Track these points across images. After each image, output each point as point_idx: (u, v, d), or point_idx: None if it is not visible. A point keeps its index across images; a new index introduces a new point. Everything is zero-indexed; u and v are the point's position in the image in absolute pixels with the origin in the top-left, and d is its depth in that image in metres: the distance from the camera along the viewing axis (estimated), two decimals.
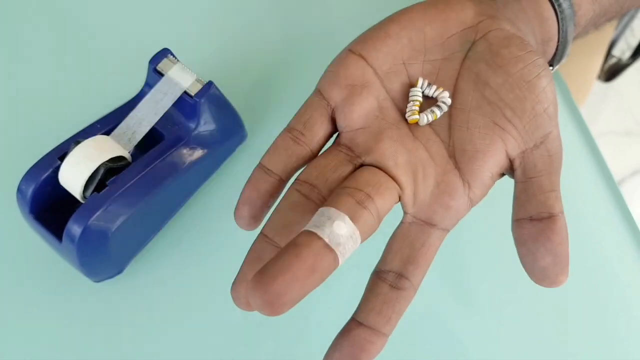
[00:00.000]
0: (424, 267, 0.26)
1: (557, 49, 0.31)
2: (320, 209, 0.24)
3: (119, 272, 0.38)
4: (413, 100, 0.28)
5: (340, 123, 0.28)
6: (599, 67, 0.70)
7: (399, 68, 0.28)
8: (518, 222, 0.27)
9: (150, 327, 0.37)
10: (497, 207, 0.41)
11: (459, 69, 0.29)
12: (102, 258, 0.36)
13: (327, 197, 0.26)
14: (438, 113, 0.28)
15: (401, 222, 0.27)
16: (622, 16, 0.37)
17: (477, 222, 0.40)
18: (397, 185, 0.26)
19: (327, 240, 0.23)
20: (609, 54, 0.72)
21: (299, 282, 0.21)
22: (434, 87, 0.28)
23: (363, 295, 0.26)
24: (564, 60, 0.32)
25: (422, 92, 0.28)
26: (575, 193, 0.42)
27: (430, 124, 0.28)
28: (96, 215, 0.33)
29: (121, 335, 0.37)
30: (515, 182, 0.27)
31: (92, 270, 0.36)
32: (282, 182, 0.27)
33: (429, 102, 0.28)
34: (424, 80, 0.28)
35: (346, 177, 0.26)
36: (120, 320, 0.37)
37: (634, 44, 0.81)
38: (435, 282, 0.39)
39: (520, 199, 0.27)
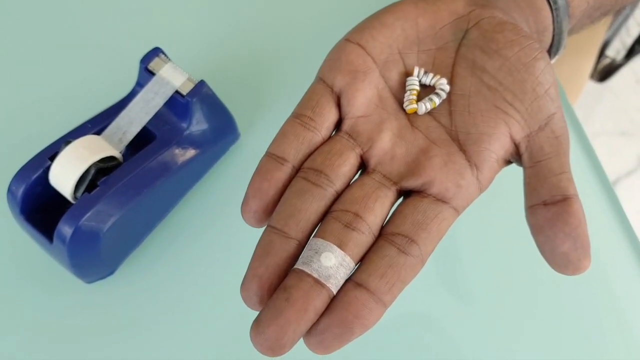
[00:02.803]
0: (435, 238, 0.25)
1: (552, 40, 0.31)
2: (309, 241, 0.24)
3: (111, 273, 0.38)
4: (410, 90, 0.28)
5: (344, 109, 0.27)
6: (590, 67, 0.70)
7: (396, 57, 0.28)
8: (532, 208, 0.26)
9: (142, 328, 0.37)
10: (494, 205, 0.41)
11: (454, 57, 0.28)
12: (93, 259, 0.36)
13: (336, 181, 0.25)
14: (437, 101, 0.27)
15: (412, 196, 0.26)
16: (617, 12, 0.37)
17: (474, 222, 0.40)
18: (392, 188, 0.26)
19: (316, 275, 0.23)
20: (602, 54, 0.72)
21: (293, 324, 0.22)
22: (431, 74, 0.28)
23: (365, 257, 0.24)
24: (560, 52, 0.31)
25: (420, 81, 0.28)
26: None
27: (430, 112, 0.28)
28: (87, 215, 0.33)
29: (113, 336, 0.37)
30: (524, 169, 0.27)
31: (84, 271, 0.36)
32: (295, 170, 0.26)
33: (426, 90, 0.28)
34: (420, 68, 0.28)
35: (350, 164, 0.26)
36: (112, 321, 0.37)
37: (629, 44, 0.81)
38: (433, 281, 0.39)
39: (531, 185, 0.26)
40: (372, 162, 0.26)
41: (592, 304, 0.39)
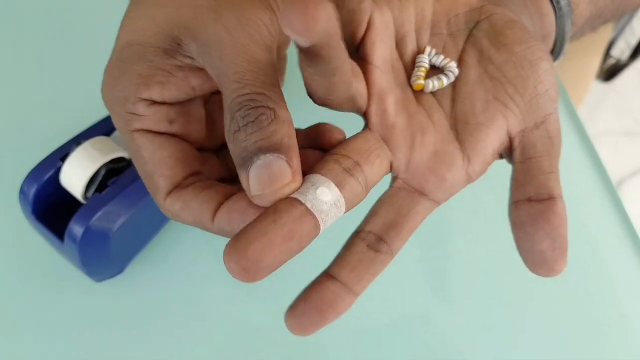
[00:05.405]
0: (406, 234, 0.26)
1: (554, 46, 0.31)
2: (308, 175, 0.24)
3: (120, 271, 0.39)
4: (419, 67, 0.28)
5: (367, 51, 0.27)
6: (596, 67, 0.70)
7: (412, 35, 0.29)
8: (516, 204, 0.26)
9: (151, 326, 0.38)
10: (484, 203, 0.41)
11: (463, 44, 0.29)
12: (103, 258, 0.36)
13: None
14: (445, 81, 0.27)
15: (390, 186, 0.27)
16: (617, 19, 0.37)
17: (463, 218, 0.40)
18: (388, 153, 0.26)
19: (309, 205, 0.22)
20: (607, 54, 0.72)
21: (276, 248, 0.21)
22: (442, 56, 0.28)
23: (340, 252, 0.25)
24: (560, 58, 0.32)
25: (429, 61, 0.28)
26: (571, 194, 0.42)
27: (434, 94, 0.28)
28: (97, 215, 0.33)
29: (121, 334, 0.37)
30: (514, 164, 0.27)
31: (94, 270, 0.37)
32: None
33: (434, 72, 0.28)
34: (431, 48, 0.28)
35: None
36: (120, 319, 0.38)
37: (634, 44, 0.81)
38: (419, 280, 0.39)
39: (518, 180, 0.26)
40: (373, 120, 0.27)
41: (594, 305, 0.40)
